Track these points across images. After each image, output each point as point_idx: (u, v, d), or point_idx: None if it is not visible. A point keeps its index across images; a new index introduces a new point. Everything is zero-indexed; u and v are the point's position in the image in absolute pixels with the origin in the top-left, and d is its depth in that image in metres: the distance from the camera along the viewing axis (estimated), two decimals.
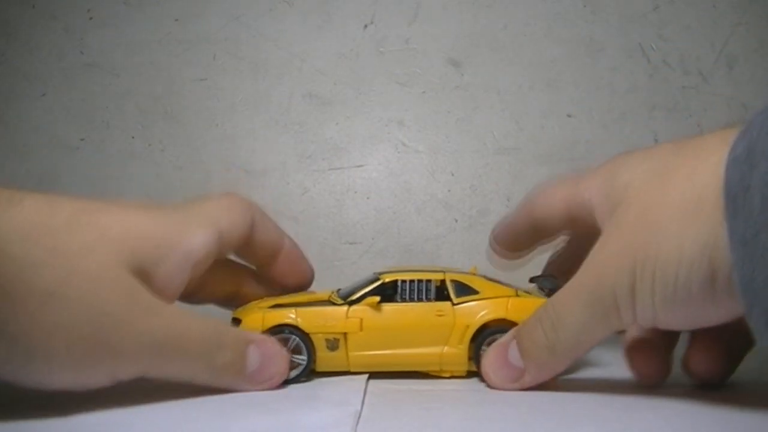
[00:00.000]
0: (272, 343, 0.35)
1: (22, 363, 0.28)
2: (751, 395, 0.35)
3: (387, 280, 0.38)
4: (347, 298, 0.38)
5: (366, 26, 0.62)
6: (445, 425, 0.30)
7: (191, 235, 0.33)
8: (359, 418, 0.31)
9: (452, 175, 0.61)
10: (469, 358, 0.38)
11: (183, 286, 0.33)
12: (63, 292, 0.28)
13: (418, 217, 0.60)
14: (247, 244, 0.39)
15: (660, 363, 0.35)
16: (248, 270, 0.42)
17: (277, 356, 0.35)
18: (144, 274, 0.31)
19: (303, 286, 0.42)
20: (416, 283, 0.38)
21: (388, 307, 0.38)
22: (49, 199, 0.30)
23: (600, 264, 0.31)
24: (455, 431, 0.30)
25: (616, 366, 0.42)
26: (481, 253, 0.60)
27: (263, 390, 0.35)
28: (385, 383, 0.37)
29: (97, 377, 0.30)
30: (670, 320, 0.29)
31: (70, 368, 0.29)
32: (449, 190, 0.60)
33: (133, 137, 0.62)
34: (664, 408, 0.32)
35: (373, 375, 0.38)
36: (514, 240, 0.42)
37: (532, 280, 0.45)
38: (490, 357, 0.35)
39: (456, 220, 0.60)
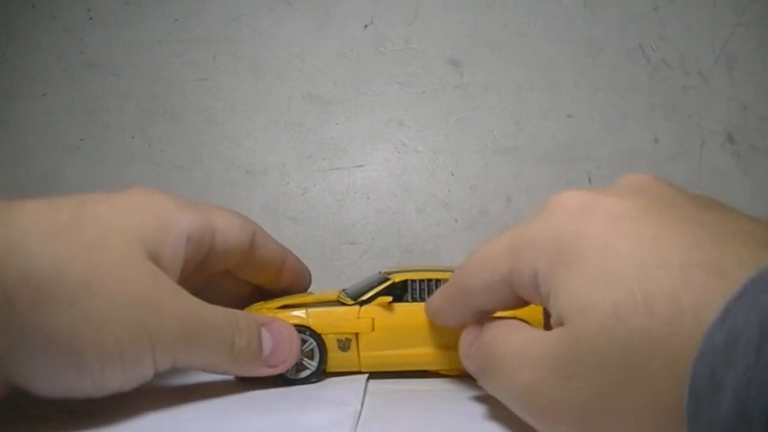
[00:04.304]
0: (282, 325, 0.35)
1: (74, 369, 0.27)
2: None
3: (397, 280, 0.38)
4: (357, 299, 0.38)
5: (366, 26, 0.62)
6: (445, 425, 0.30)
7: (183, 215, 0.33)
8: (359, 418, 0.31)
9: (452, 175, 0.60)
10: None
11: (181, 267, 0.33)
12: (98, 281, 0.27)
13: (418, 217, 0.60)
14: (250, 262, 0.38)
15: None
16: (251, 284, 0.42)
17: (288, 338, 0.35)
18: (155, 258, 0.31)
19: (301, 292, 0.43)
20: (426, 282, 0.38)
21: (399, 307, 0.38)
22: (47, 200, 0.29)
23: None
24: (455, 431, 0.30)
25: None
26: None
27: (278, 372, 0.35)
28: (385, 383, 0.37)
29: (143, 370, 0.29)
30: None
31: (120, 363, 0.28)
32: (449, 190, 0.60)
33: (133, 137, 0.62)
34: None
35: (373, 375, 0.38)
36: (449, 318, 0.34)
37: None
38: None
39: (456, 220, 0.60)
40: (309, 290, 0.44)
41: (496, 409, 0.32)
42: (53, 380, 0.27)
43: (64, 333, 0.26)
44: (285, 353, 0.35)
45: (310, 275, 0.43)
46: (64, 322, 0.26)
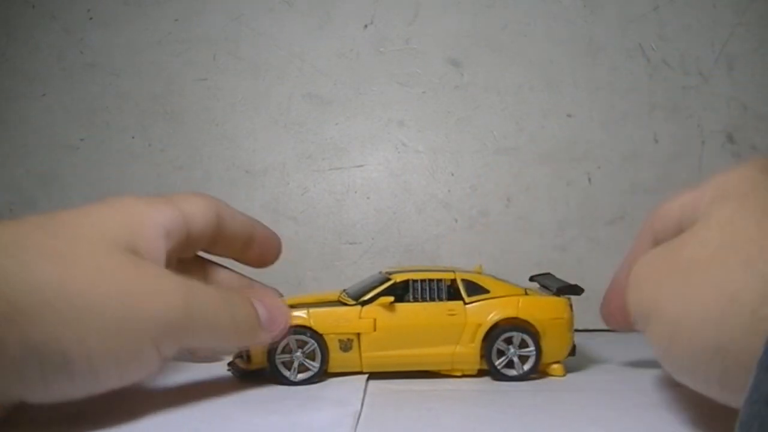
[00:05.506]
0: (266, 292, 0.36)
1: (64, 374, 0.27)
2: None
3: (398, 280, 0.38)
4: (359, 299, 0.38)
5: (366, 26, 0.62)
6: (445, 425, 0.30)
7: (157, 211, 0.33)
8: (359, 418, 0.31)
9: (452, 175, 0.61)
10: (481, 357, 0.38)
11: (164, 262, 0.33)
12: (74, 282, 0.27)
13: (418, 217, 0.60)
14: (220, 237, 0.38)
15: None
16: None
17: (278, 304, 0.36)
18: (133, 250, 0.30)
19: (274, 262, 0.42)
20: (428, 282, 0.38)
21: (400, 307, 0.38)
22: (10, 221, 0.29)
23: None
24: (455, 431, 0.30)
25: (618, 366, 0.42)
26: (481, 253, 0.60)
27: (277, 338, 0.35)
28: (385, 383, 0.37)
29: (144, 361, 0.29)
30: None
31: (113, 360, 0.28)
32: (449, 190, 0.60)
33: (133, 137, 0.62)
34: (666, 408, 0.32)
35: (373, 375, 0.38)
36: None
37: (532, 278, 0.45)
38: None
39: (456, 220, 0.60)
40: (308, 291, 0.44)
41: (496, 410, 0.32)
42: (47, 388, 0.27)
43: (46, 341, 0.26)
44: (281, 317, 0.35)
45: (280, 243, 0.42)
46: (44, 329, 0.26)
